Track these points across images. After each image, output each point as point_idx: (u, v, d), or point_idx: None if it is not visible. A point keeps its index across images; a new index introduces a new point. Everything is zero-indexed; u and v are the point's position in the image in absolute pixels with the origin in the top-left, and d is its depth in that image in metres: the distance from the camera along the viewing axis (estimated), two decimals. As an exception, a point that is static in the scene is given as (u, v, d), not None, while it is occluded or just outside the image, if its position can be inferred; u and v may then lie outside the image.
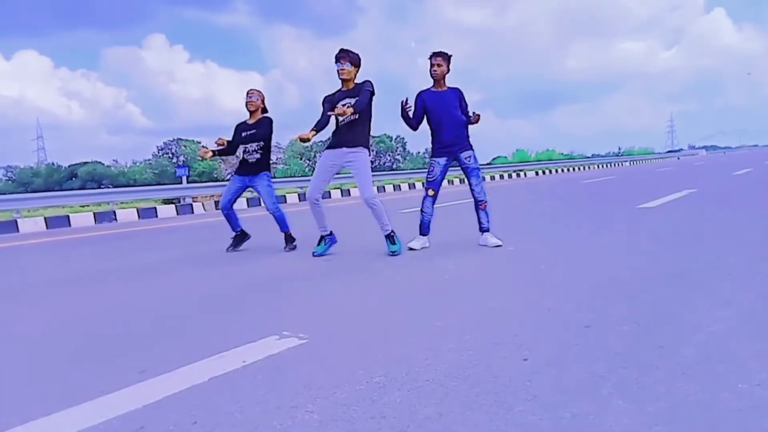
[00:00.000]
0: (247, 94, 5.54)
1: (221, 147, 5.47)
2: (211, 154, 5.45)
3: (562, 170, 31.23)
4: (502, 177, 25.99)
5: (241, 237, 5.63)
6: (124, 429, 1.66)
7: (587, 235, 5.45)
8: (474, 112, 4.79)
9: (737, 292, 2.83)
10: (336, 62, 4.57)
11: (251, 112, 5.53)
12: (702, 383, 1.75)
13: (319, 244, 4.83)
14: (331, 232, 4.86)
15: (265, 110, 5.63)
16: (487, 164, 33.37)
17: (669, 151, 77.74)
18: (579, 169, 33.13)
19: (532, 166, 30.31)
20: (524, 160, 36.61)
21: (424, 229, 4.91)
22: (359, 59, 4.63)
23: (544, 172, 29.25)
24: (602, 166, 36.44)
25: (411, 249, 4.75)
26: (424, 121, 4.87)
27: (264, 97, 5.61)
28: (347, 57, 4.57)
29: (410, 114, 4.79)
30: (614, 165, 38.56)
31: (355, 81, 4.67)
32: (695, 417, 1.54)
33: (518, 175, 27.27)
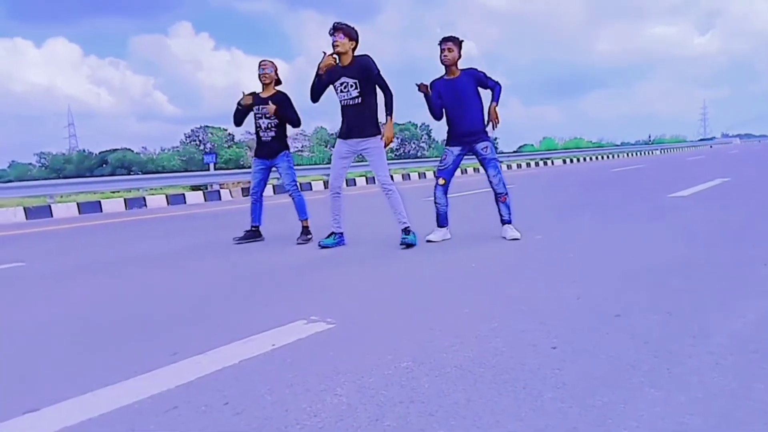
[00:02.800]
0: (260, 65, 5.25)
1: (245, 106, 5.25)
2: (250, 100, 5.18)
3: (591, 158, 30.73)
4: (528, 165, 25.70)
5: (254, 234, 5.38)
6: (158, 408, 1.71)
7: (616, 223, 5.36)
8: (493, 112, 4.55)
9: (773, 283, 2.77)
10: (331, 35, 4.45)
11: (265, 85, 5.26)
12: (735, 373, 1.72)
13: (328, 237, 4.75)
14: (342, 233, 4.78)
15: (278, 82, 5.35)
16: (514, 152, 33.02)
17: (701, 139, 75.71)
18: (608, 157, 32.54)
19: (559, 154, 29.84)
20: (551, 148, 36.11)
21: (441, 221, 4.76)
22: (356, 33, 4.51)
23: (571, 161, 28.81)
24: (632, 155, 35.74)
25: (429, 241, 4.61)
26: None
27: (277, 68, 5.32)
28: (341, 30, 4.45)
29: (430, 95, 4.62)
30: (644, 153, 37.77)
31: (354, 56, 4.52)
32: (728, 407, 1.52)
33: (545, 164, 26.93)
